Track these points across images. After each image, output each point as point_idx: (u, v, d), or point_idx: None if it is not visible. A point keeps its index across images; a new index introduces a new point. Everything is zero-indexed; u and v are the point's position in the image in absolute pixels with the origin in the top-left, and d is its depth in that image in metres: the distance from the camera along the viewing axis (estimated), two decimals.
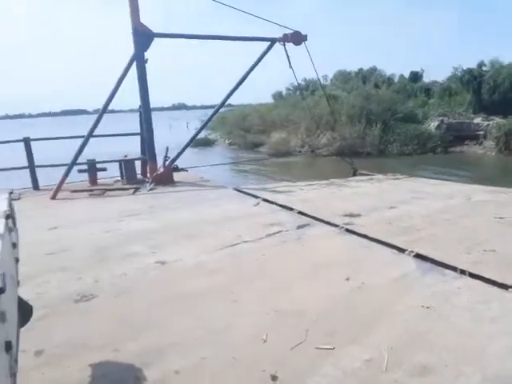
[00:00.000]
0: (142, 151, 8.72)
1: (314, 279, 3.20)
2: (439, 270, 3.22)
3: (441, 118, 25.37)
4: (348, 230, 4.39)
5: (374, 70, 38.09)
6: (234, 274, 3.35)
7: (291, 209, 5.43)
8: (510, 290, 2.79)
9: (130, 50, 7.88)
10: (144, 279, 3.28)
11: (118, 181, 8.54)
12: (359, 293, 2.90)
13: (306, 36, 8.56)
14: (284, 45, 8.37)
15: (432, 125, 25.09)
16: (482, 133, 23.83)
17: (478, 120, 25.00)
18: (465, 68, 28.88)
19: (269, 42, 8.42)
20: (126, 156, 8.71)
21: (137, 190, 7.57)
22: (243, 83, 8.63)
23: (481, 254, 3.50)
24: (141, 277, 3.32)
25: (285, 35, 8.39)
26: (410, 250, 3.59)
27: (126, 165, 8.44)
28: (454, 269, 3.17)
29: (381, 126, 23.65)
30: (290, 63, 8.53)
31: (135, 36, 7.74)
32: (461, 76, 28.79)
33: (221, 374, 2.08)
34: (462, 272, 3.11)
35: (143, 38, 7.75)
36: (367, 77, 35.80)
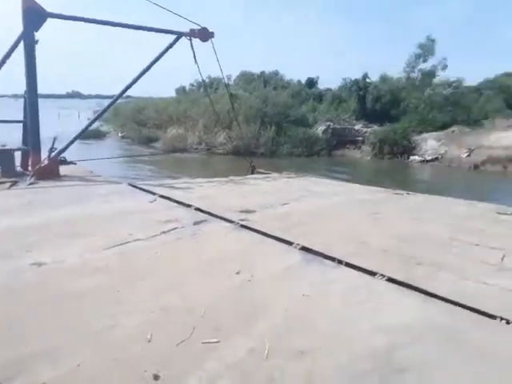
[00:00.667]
0: (24, 141, 7.87)
1: (206, 275, 3.23)
2: (321, 260, 3.50)
3: (328, 123, 27.76)
4: (243, 226, 4.52)
5: (275, 73, 39.80)
6: (122, 273, 3.21)
7: (189, 205, 5.40)
8: (375, 276, 3.15)
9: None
10: (16, 283, 2.95)
11: None
12: (247, 286, 3.02)
13: (213, 33, 8.61)
14: (190, 40, 8.33)
15: (319, 129, 27.34)
16: (361, 138, 26.78)
17: (358, 126, 28.04)
18: (353, 79, 32.15)
19: (175, 36, 8.29)
20: (3, 146, 7.75)
21: (14, 183, 6.78)
22: (144, 75, 8.33)
23: (356, 246, 3.89)
24: (12, 280, 2.98)
25: (192, 30, 8.35)
26: (296, 243, 3.84)
27: (3, 156, 7.50)
28: (332, 259, 3.48)
29: (275, 128, 24.95)
30: (195, 59, 8.53)
31: (25, 13, 7.03)
32: (350, 86, 32.06)
33: (98, 379, 1.98)
34: (340, 262, 3.43)
35: (34, 16, 7.08)
36: (268, 80, 37.30)
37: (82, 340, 2.26)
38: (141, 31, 8.31)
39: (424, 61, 30.94)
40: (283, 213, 5.31)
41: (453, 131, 24.39)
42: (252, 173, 9.70)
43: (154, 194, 6.17)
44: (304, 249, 3.73)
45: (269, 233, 4.20)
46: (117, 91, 8.48)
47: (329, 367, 2.04)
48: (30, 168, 7.50)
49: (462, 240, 4.17)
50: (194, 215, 4.97)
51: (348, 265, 3.38)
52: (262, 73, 39.62)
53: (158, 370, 2.03)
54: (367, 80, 31.71)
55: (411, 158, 23.75)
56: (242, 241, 4.10)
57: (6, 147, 7.72)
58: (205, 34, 8.44)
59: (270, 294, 2.88)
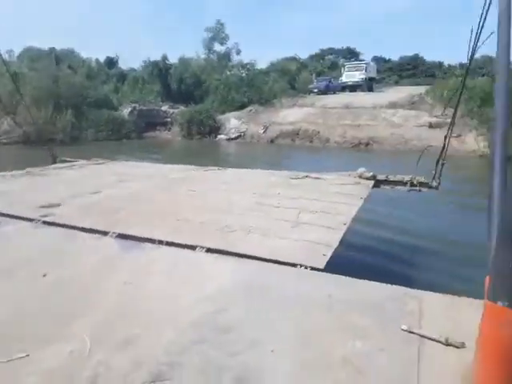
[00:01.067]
0: None
1: (4, 285, 2.74)
2: (139, 244, 3.42)
3: (133, 105, 27.02)
4: (46, 222, 3.98)
5: (70, 51, 35.58)
6: None
7: None
8: (196, 249, 3.28)
9: None
10: None
11: None
12: (57, 286, 2.71)
13: None
14: None
15: (125, 111, 26.38)
16: (169, 120, 27.17)
17: (165, 108, 28.30)
18: (152, 60, 31.83)
19: None
20: None
21: None
22: None
23: (175, 224, 3.95)
24: None
25: None
26: (112, 231, 3.62)
27: None
28: (152, 241, 3.44)
29: (72, 112, 22.56)
30: None
31: None
32: (149, 67, 31.73)
33: None
34: (160, 242, 3.42)
35: None
36: (61, 58, 33.06)
37: None
38: None
39: (221, 43, 33.12)
40: (94, 201, 4.91)
41: (250, 110, 27.10)
42: (54, 162, 8.50)
43: None
44: (121, 236, 3.56)
45: (78, 225, 3.82)
46: None
47: (156, 347, 2.04)
48: None
49: (265, 204, 4.74)
50: None
51: (168, 243, 3.40)
52: (52, 49, 34.76)
53: None
54: (167, 62, 31.89)
55: (218, 137, 25.38)
56: (47, 239, 3.62)
57: None
58: None
59: (86, 290, 2.66)
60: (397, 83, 47.68)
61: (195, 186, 5.89)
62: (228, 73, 31.04)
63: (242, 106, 27.71)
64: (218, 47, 33.59)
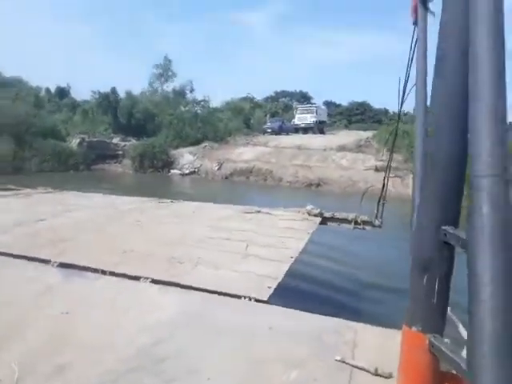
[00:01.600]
0: None
1: None
2: (82, 274, 3.34)
3: (82, 136, 26.41)
4: None
5: (17, 79, 34.41)
6: None
7: None
8: (140, 280, 3.25)
9: None
10: None
11: None
12: None
13: None
14: None
15: (73, 142, 25.65)
16: (120, 152, 26.73)
17: (116, 140, 27.90)
18: (101, 92, 31.58)
19: None
20: None
21: None
22: None
23: (122, 254, 3.89)
24: None
25: None
26: (54, 260, 3.50)
27: None
28: (95, 271, 3.36)
29: (14, 141, 21.56)
30: None
31: None
32: (99, 99, 31.42)
33: None
34: (103, 272, 3.35)
35: None
36: (8, 86, 31.86)
37: None
38: None
39: (166, 80, 33.74)
40: (39, 229, 4.75)
41: (204, 146, 27.35)
42: None
43: None
44: (63, 265, 3.44)
45: (18, 253, 3.65)
46: None
47: (90, 376, 1.99)
48: None
49: (216, 237, 4.79)
50: None
51: (112, 273, 3.34)
52: None
53: None
54: (116, 95, 31.81)
55: (171, 171, 25.11)
56: None
57: None
58: None
59: (21, 318, 2.55)
60: (346, 127, 50.49)
61: (144, 217, 5.84)
62: (182, 108, 31.42)
63: (196, 142, 27.91)
64: (169, 84, 34.21)
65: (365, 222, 5.97)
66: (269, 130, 35.69)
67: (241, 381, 2.04)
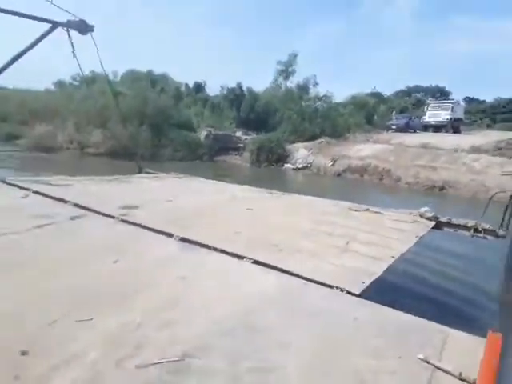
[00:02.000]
0: None
1: (83, 264, 3.33)
2: (197, 248, 3.87)
3: (209, 129, 28.62)
4: (124, 220, 4.64)
5: (164, 75, 39.22)
6: None
7: (66, 201, 5.26)
8: (244, 259, 3.63)
9: None
10: None
11: None
12: (124, 271, 3.22)
13: (93, 26, 8.39)
14: (68, 31, 8.02)
15: (202, 134, 27.93)
16: (242, 145, 28.22)
17: (239, 134, 29.52)
18: (229, 87, 33.67)
19: (50, 25, 7.90)
20: None
21: None
22: (14, 63, 7.73)
23: (230, 236, 4.36)
24: None
25: (69, 21, 8.04)
26: (176, 234, 4.13)
27: None
28: (208, 247, 3.87)
29: (154, 131, 24.42)
30: (73, 51, 8.22)
31: None
32: (226, 94, 33.58)
33: None
34: (214, 249, 3.83)
35: None
36: (156, 81, 36.64)
37: None
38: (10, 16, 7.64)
39: (286, 77, 34.30)
40: (166, 208, 5.58)
41: (321, 142, 27.32)
42: (139, 172, 9.64)
43: (27, 189, 5.80)
44: (183, 239, 4.04)
45: (149, 226, 4.40)
46: None
47: (194, 332, 2.39)
48: None
49: (319, 230, 4.96)
50: (72, 211, 4.88)
51: (221, 251, 3.79)
52: (150, 72, 38.73)
53: (27, 346, 2.10)
54: (242, 89, 33.62)
55: (285, 165, 25.78)
56: (122, 233, 4.23)
57: None
58: (83, 27, 8.17)
59: (146, 278, 3.13)
60: (489, 126, 44.70)
61: (256, 206, 6.31)
62: (303, 103, 31.75)
63: (313, 137, 28.06)
64: (293, 79, 34.72)
65: (487, 231, 5.46)
66: (393, 127, 33.85)
67: (321, 359, 2.21)
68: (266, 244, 4.16)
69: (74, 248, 3.66)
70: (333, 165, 23.94)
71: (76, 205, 5.12)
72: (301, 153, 26.26)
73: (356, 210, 6.52)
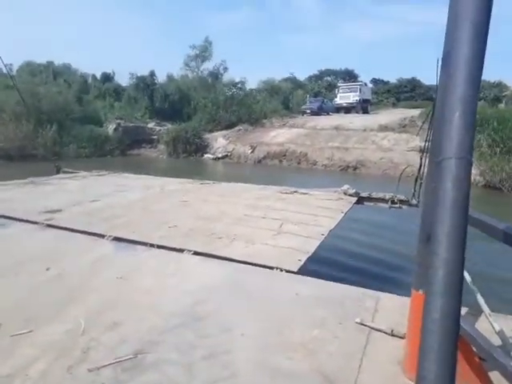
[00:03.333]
0: None
1: (13, 276, 3.19)
2: (133, 247, 3.87)
3: (118, 121, 27.37)
4: (49, 225, 4.49)
5: (67, 66, 36.39)
6: None
7: None
8: (184, 252, 3.72)
9: None
10: None
11: None
12: (59, 279, 3.13)
13: None
14: None
15: (110, 127, 26.67)
16: (156, 137, 27.52)
17: (151, 125, 28.71)
18: (139, 75, 32.45)
19: None
20: None
21: None
22: None
23: (166, 230, 4.41)
24: None
25: None
26: (108, 235, 4.08)
27: None
28: (144, 244, 3.89)
29: (55, 128, 22.73)
30: None
31: None
32: (137, 82, 32.36)
33: None
34: (152, 245, 3.87)
35: None
36: (60, 73, 33.84)
37: None
38: None
39: (203, 61, 34.16)
40: (94, 208, 5.45)
41: (239, 130, 27.70)
42: (57, 173, 9.07)
43: None
44: (116, 239, 4.01)
45: (78, 229, 4.30)
46: None
47: (142, 330, 2.46)
48: None
49: (253, 215, 5.20)
50: None
51: (159, 247, 3.84)
52: (50, 63, 35.90)
53: None
54: (154, 78, 32.68)
55: (205, 155, 25.72)
56: (50, 240, 4.09)
57: None
58: None
59: (83, 283, 3.08)
60: (394, 105, 48.87)
61: (188, 197, 6.41)
62: (217, 91, 31.84)
63: (230, 125, 28.26)
64: (206, 65, 34.67)
65: (402, 202, 6.17)
66: (308, 111, 35.17)
67: (269, 337, 2.42)
68: (204, 234, 4.28)
69: (1, 259, 3.48)
70: (252, 152, 24.43)
71: None
72: (219, 142, 26.36)
73: (285, 193, 6.91)
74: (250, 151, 24.59)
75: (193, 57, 34.97)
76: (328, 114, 35.35)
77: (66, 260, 3.50)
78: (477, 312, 2.47)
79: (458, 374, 1.03)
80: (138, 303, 2.79)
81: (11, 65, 33.96)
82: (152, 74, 32.62)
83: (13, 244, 3.94)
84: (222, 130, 27.93)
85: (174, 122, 28.63)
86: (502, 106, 31.06)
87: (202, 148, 26.22)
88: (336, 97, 38.96)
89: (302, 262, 3.51)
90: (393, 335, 2.44)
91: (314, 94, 45.98)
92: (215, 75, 34.51)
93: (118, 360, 2.16)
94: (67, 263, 3.42)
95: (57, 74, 33.41)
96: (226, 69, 34.54)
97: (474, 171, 14.90)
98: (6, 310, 2.62)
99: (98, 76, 36.91)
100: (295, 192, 6.87)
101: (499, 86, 37.74)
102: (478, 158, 16.39)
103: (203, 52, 34.96)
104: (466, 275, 2.05)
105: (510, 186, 15.20)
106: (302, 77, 56.86)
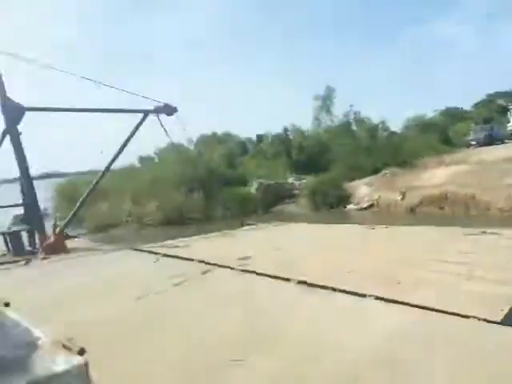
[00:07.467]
0: (27, 222, 9.18)
1: (224, 313, 4.19)
2: (316, 290, 4.53)
3: (259, 181, 29.68)
4: (244, 270, 5.71)
5: (227, 134, 44.63)
6: (146, 319, 4.22)
7: (191, 259, 6.69)
8: (366, 296, 4.17)
9: None
10: None
11: (4, 255, 8.84)
12: (253, 315, 4.06)
13: (176, 108, 10.71)
14: (158, 116, 10.45)
15: (253, 187, 29.23)
16: (297, 192, 28.56)
17: (291, 180, 30.18)
18: (273, 133, 36.06)
19: (142, 114, 10.43)
20: (9, 228, 8.99)
21: (28, 261, 7.73)
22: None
23: (346, 274, 5.02)
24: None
25: (156, 107, 10.38)
26: (293, 278, 4.93)
27: (13, 237, 8.84)
28: (326, 288, 4.52)
29: (205, 193, 26.40)
30: (166, 132, 10.79)
31: (4, 111, 8.95)
32: (272, 140, 35.70)
33: None
34: (333, 289, 4.45)
35: (13, 112, 8.98)
36: (223, 140, 41.90)
37: None
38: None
39: (327, 111, 35.63)
40: (278, 255, 6.68)
41: (384, 174, 26.55)
42: (242, 225, 11.79)
43: (156, 253, 7.63)
44: (300, 282, 4.78)
45: (266, 273, 5.34)
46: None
47: (340, 368, 2.89)
48: (38, 246, 8.69)
49: (435, 259, 5.31)
50: (199, 267, 6.19)
51: (340, 290, 4.39)
52: (214, 134, 44.73)
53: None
54: (287, 133, 35.55)
55: (348, 206, 25.23)
56: (244, 282, 5.31)
57: (13, 229, 8.80)
58: (169, 110, 10.56)
59: (274, 320, 3.86)
60: None
61: (363, 242, 7.24)
62: (357, 135, 32.34)
63: (375, 171, 27.61)
64: (332, 111, 36.21)
65: None
66: (473, 143, 32.59)
67: None
68: (382, 278, 4.70)
69: (208, 300, 4.67)
70: (403, 198, 23.14)
71: (201, 261, 6.50)
72: (362, 190, 25.61)
73: (471, 234, 6.84)
74: (399, 198, 23.32)
75: (319, 107, 36.90)
76: (503, 142, 31.66)
77: (257, 299, 4.50)
78: None
79: None
80: (331, 343, 3.29)
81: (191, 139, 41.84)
82: (286, 130, 35.67)
83: (219, 286, 5.28)
84: (365, 177, 27.46)
85: (313, 174, 29.58)
86: None
87: (345, 198, 25.79)
88: (509, 121, 35.40)
89: (505, 311, 3.44)
90: None
91: (483, 121, 42.51)
92: (347, 122, 35.57)
93: None
94: (259, 301, 4.41)
95: (221, 141, 41.50)
96: (357, 112, 35.27)
97: None
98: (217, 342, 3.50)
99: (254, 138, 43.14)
100: (484, 232, 6.85)
101: None
102: None
103: (327, 100, 36.60)
104: None
105: None
106: (466, 105, 54.86)
